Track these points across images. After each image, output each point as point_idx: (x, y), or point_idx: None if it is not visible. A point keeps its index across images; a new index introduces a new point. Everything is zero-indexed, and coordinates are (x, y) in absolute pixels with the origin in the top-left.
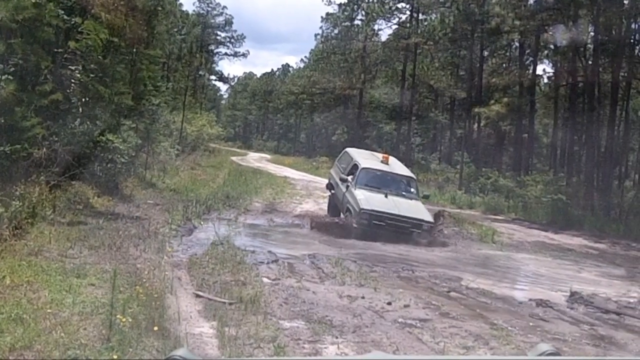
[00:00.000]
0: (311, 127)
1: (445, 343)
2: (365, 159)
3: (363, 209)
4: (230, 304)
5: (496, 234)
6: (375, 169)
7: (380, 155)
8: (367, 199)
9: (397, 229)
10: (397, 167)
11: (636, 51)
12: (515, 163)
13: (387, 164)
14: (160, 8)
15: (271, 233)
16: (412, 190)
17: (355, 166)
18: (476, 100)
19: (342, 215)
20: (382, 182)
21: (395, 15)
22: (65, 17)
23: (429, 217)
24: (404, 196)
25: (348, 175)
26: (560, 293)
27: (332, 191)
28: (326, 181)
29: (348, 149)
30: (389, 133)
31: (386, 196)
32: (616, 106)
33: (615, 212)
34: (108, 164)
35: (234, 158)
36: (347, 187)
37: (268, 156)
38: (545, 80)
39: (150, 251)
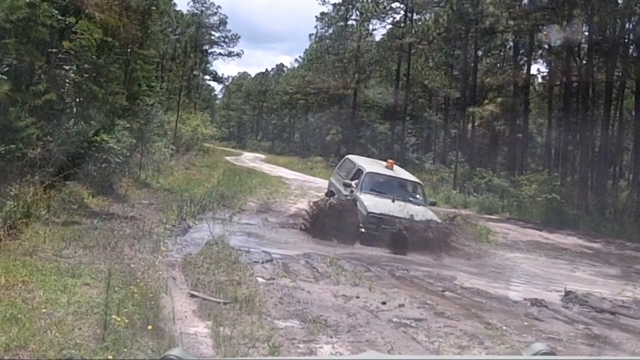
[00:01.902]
0: (305, 127)
1: (439, 342)
2: (369, 164)
3: (371, 212)
4: (225, 303)
5: (491, 233)
6: (381, 174)
7: (383, 162)
8: (375, 204)
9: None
10: (402, 173)
11: (630, 51)
12: (510, 163)
13: (391, 169)
14: (154, 8)
15: (266, 232)
16: (419, 196)
17: (359, 171)
18: (470, 100)
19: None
20: (387, 187)
21: (389, 15)
22: (59, 17)
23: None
24: (410, 202)
25: (351, 181)
26: (555, 292)
27: None
28: (321, 180)
29: (349, 156)
30: (383, 133)
31: (393, 201)
32: (610, 106)
33: (609, 212)
34: (102, 164)
35: (228, 158)
36: (351, 192)
37: (262, 156)
38: (540, 80)
39: (145, 251)
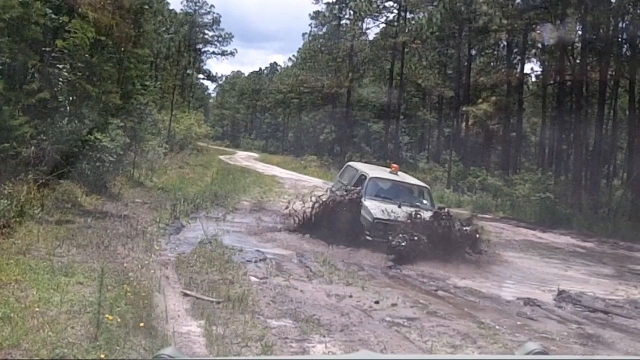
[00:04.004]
0: (299, 126)
1: (433, 342)
2: (373, 169)
3: (377, 218)
4: (218, 302)
5: (484, 232)
6: (386, 179)
7: (386, 169)
8: (381, 210)
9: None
10: (407, 178)
11: (624, 50)
12: (504, 162)
13: (396, 175)
14: (147, 7)
15: (259, 232)
16: (426, 202)
17: (363, 177)
18: (464, 99)
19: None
20: (393, 192)
21: (383, 14)
22: (52, 16)
23: None
24: (418, 207)
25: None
26: (548, 292)
27: None
28: (315, 179)
29: (351, 163)
30: (377, 132)
31: (400, 206)
32: (604, 105)
33: (603, 211)
34: (96, 163)
35: (222, 157)
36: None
37: (256, 155)
38: (534, 79)
39: (139, 250)
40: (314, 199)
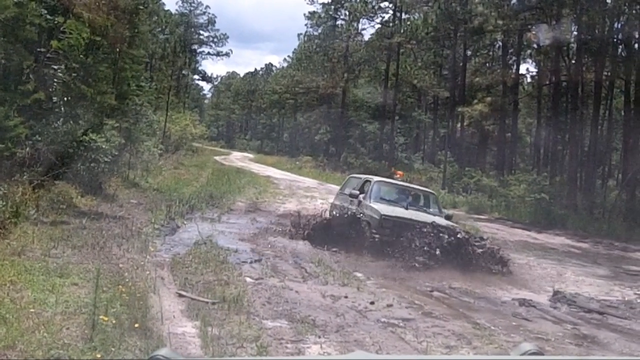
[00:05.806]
0: (294, 127)
1: (428, 342)
2: (377, 176)
3: (384, 215)
4: (213, 303)
5: (479, 233)
6: (391, 183)
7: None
8: (387, 208)
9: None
10: (412, 184)
11: (619, 50)
12: (499, 162)
13: (401, 180)
14: (142, 7)
15: (254, 232)
16: (432, 209)
17: (367, 183)
18: (459, 100)
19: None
20: (398, 196)
21: (378, 15)
22: (47, 16)
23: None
24: (425, 211)
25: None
26: (543, 292)
27: None
28: (310, 180)
29: (352, 175)
30: (372, 132)
31: (406, 208)
32: (599, 105)
33: (598, 212)
34: (91, 163)
35: (217, 157)
36: (359, 202)
37: (251, 155)
38: (529, 80)
39: (134, 251)
40: (313, 208)
